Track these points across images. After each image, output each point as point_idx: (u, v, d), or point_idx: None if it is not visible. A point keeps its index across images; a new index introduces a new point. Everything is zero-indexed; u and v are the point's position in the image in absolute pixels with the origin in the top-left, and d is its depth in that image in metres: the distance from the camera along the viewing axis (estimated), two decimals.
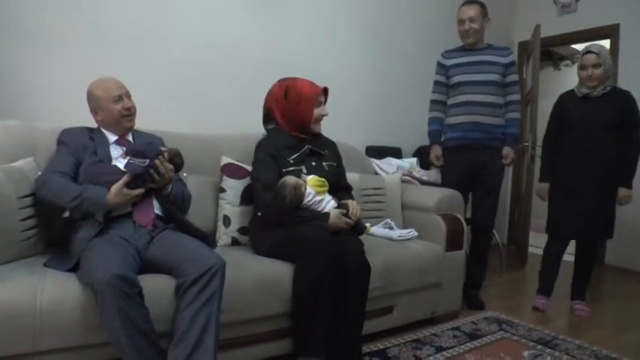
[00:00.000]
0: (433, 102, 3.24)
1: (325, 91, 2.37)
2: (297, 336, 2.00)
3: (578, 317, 2.89)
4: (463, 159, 3.06)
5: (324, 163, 2.35)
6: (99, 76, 2.07)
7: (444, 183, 3.13)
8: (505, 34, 4.86)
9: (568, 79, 6.31)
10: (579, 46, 5.85)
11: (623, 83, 4.03)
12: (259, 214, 2.30)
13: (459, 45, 3.16)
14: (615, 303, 3.18)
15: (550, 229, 2.99)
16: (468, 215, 3.14)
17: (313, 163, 2.31)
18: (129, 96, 2.07)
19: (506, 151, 3.07)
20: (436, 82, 3.23)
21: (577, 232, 2.89)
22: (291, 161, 2.26)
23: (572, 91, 2.91)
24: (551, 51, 5.95)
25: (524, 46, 4.77)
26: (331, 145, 2.48)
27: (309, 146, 2.33)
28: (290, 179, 2.12)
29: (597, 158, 2.77)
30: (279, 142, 2.30)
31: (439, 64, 3.20)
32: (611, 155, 2.76)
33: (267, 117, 2.44)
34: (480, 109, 3.01)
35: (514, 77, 3.07)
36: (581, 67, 2.80)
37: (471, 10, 3.00)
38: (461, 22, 3.04)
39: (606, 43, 4.37)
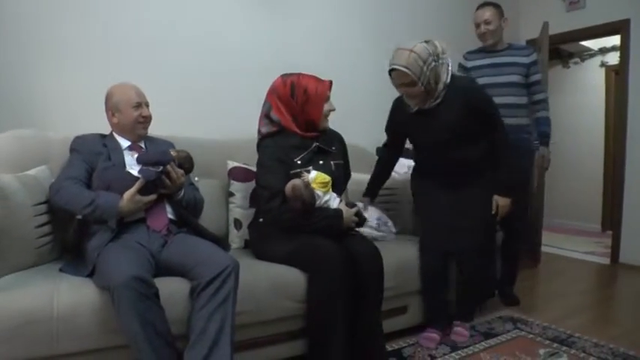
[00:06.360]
0: None
1: (330, 84, 2.27)
2: (313, 352, 1.96)
3: (454, 340, 2.42)
4: None
5: (331, 162, 2.28)
6: (115, 82, 2.11)
7: None
8: (512, 32, 4.83)
9: (577, 76, 6.27)
10: (588, 43, 5.83)
11: (633, 79, 4.01)
12: (261, 219, 2.25)
13: (474, 47, 3.14)
14: (630, 300, 3.15)
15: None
16: None
17: (321, 162, 2.23)
18: (147, 105, 2.12)
19: (543, 151, 3.06)
20: None
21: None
22: (299, 162, 2.18)
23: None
24: (560, 48, 5.91)
25: (532, 44, 4.73)
26: (338, 139, 2.41)
27: (317, 144, 2.25)
28: (297, 182, 2.06)
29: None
30: (285, 142, 2.20)
31: (461, 66, 3.16)
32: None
33: (268, 114, 2.28)
34: (502, 111, 2.96)
35: (538, 77, 3.02)
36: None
37: (486, 13, 2.99)
38: (477, 25, 3.03)
39: (616, 39, 4.34)
